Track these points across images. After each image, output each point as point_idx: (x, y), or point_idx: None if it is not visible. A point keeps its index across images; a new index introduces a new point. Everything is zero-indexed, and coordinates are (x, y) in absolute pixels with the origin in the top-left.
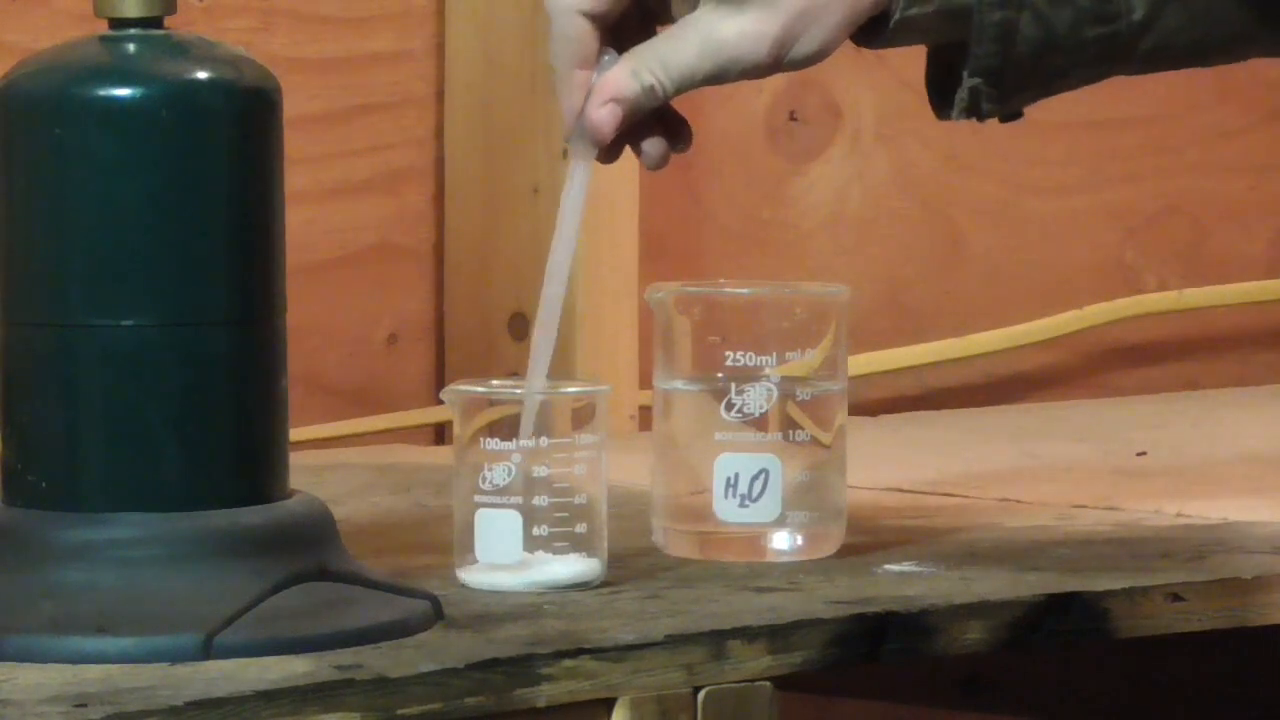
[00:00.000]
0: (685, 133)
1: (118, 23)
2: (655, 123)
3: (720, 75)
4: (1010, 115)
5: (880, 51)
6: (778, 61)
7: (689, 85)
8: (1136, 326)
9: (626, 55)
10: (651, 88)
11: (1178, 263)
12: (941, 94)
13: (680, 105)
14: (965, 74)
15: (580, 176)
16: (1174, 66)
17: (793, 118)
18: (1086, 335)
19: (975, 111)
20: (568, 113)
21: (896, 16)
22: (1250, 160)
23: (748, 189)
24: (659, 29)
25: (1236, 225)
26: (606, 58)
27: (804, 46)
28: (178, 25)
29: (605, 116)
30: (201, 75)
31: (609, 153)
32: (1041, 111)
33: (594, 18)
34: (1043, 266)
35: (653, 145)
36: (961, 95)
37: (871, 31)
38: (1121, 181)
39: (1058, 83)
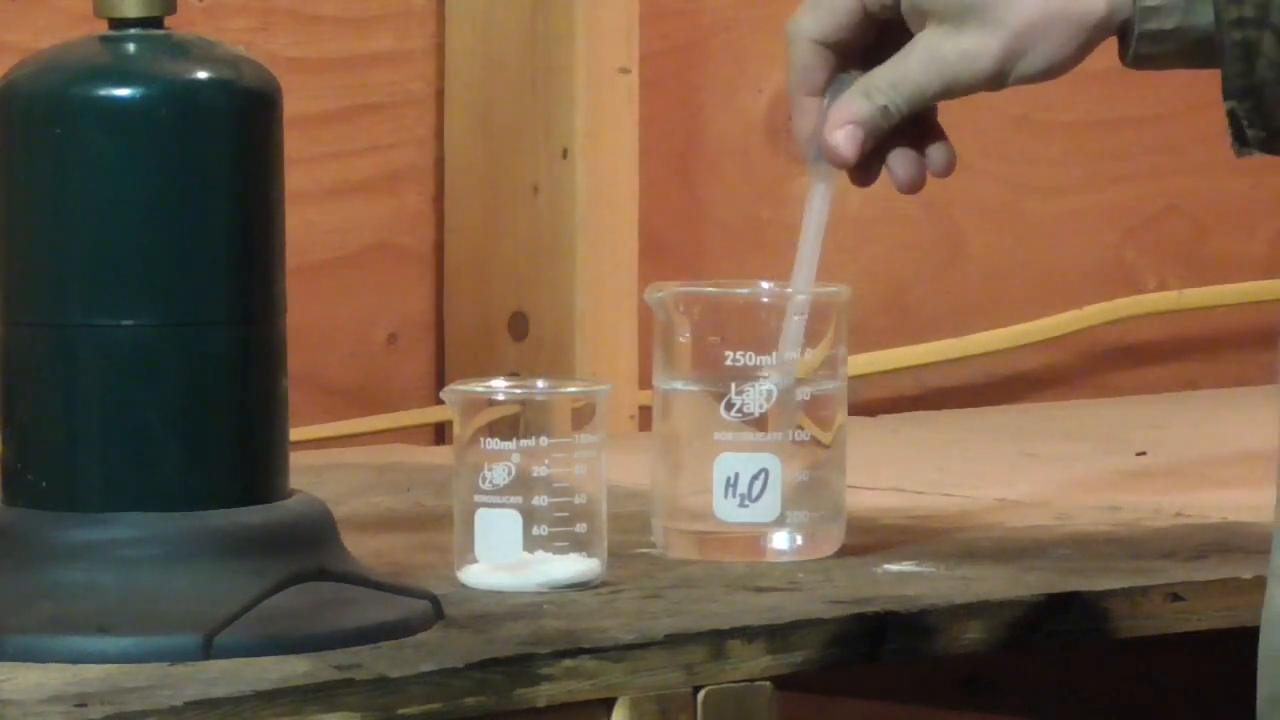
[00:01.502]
0: (939, 153)
1: (118, 23)
2: (904, 143)
3: (948, 91)
4: None
5: None
6: (1002, 77)
7: (920, 102)
8: (1136, 326)
9: (858, 80)
10: (885, 108)
11: (1177, 263)
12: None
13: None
14: (1224, 99)
15: (820, 200)
16: None
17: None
18: (1086, 335)
19: (1242, 138)
20: (800, 138)
21: (1130, 53)
22: (1250, 160)
23: (748, 189)
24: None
25: (1236, 225)
26: (840, 79)
27: (1031, 63)
28: (178, 25)
29: (843, 139)
30: (201, 75)
31: (860, 175)
32: (1041, 111)
33: (829, 46)
34: (1043, 266)
35: (902, 165)
36: (1230, 122)
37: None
38: (1121, 181)
39: None
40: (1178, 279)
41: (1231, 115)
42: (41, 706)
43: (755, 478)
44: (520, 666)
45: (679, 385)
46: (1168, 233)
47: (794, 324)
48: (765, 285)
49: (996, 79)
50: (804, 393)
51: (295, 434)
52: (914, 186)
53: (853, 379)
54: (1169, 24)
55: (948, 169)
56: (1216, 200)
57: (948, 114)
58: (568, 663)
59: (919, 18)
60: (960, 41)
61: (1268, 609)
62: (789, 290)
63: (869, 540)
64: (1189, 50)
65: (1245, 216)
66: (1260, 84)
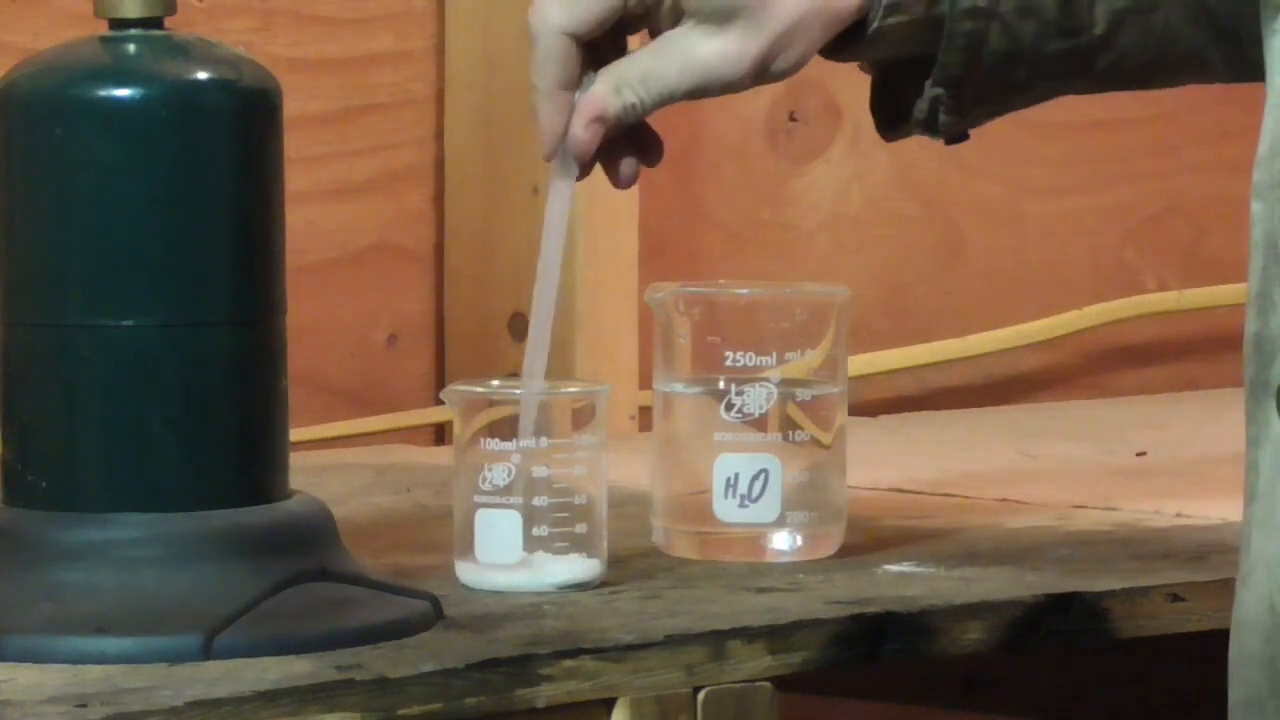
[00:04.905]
0: (656, 148)
1: (118, 23)
2: (627, 139)
3: (699, 92)
4: (958, 136)
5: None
6: (758, 78)
7: (667, 101)
8: (1136, 327)
9: (605, 72)
10: (633, 105)
11: (1177, 263)
12: (885, 115)
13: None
14: (928, 85)
15: (563, 196)
16: (1125, 87)
17: (793, 118)
18: (1086, 335)
19: (931, 125)
20: (548, 134)
21: (874, 26)
22: (1250, 160)
23: (747, 189)
24: (635, 41)
25: (1236, 225)
26: (587, 78)
27: (782, 63)
28: (178, 25)
29: (588, 136)
30: (201, 75)
31: (582, 170)
32: (1042, 111)
33: (578, 38)
34: (1043, 266)
35: (626, 164)
36: (921, 106)
37: (841, 44)
38: (1121, 181)
39: (1015, 98)
40: (1178, 279)
41: (933, 102)
42: (41, 707)
43: (755, 478)
44: (520, 667)
45: (679, 386)
46: (1168, 233)
47: (539, 324)
48: (765, 285)
49: (751, 79)
50: (804, 394)
51: (295, 434)
52: (633, 180)
53: (853, 379)
54: (907, 16)
55: (657, 159)
56: (1216, 200)
57: None
58: (568, 663)
59: (674, 15)
60: (721, 43)
61: (1236, 613)
62: (536, 289)
63: (869, 540)
64: (917, 35)
65: (1245, 217)
66: (977, 71)
